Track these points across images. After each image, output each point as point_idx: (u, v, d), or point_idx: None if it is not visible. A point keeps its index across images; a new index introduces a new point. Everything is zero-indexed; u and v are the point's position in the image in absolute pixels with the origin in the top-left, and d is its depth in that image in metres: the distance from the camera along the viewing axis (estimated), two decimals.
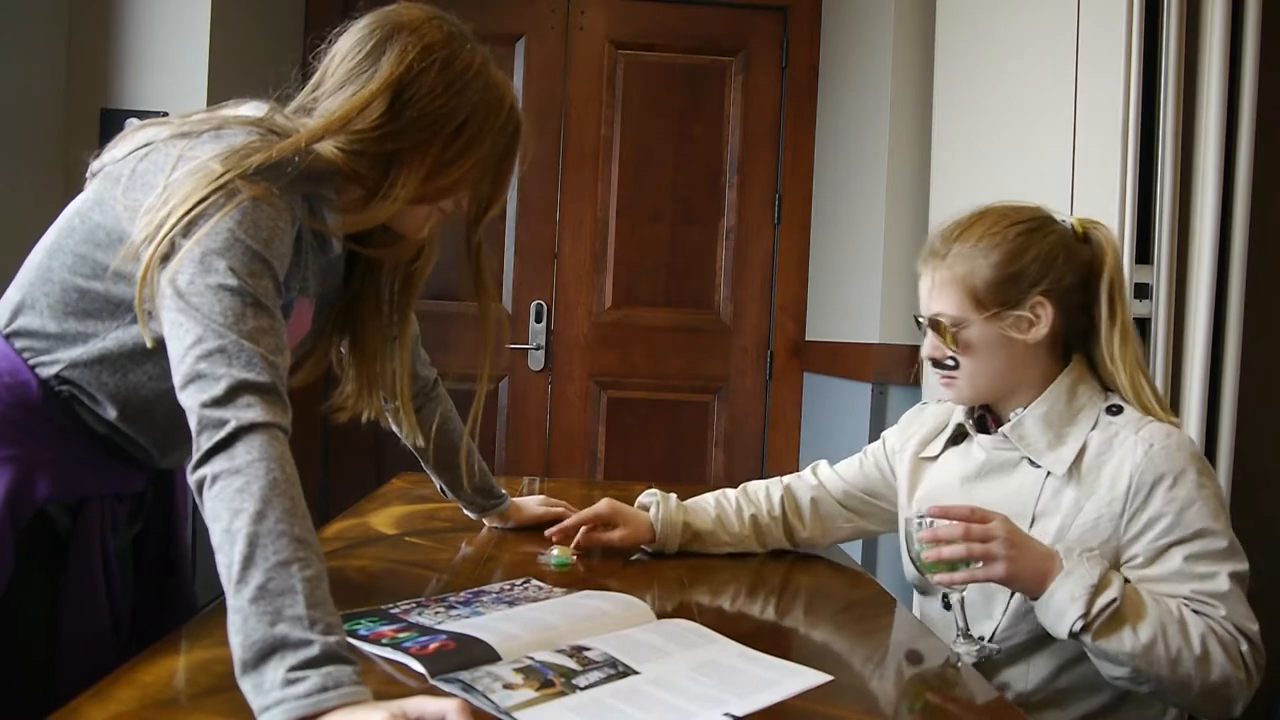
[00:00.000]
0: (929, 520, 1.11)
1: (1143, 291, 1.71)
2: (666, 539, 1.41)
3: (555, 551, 1.35)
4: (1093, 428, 1.17)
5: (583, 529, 1.39)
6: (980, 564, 1.07)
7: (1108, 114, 1.72)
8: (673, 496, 1.45)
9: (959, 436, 1.31)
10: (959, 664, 1.06)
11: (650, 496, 1.45)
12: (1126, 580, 1.10)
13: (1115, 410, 1.18)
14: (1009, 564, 1.06)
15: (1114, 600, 1.04)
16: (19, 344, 1.03)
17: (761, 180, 3.21)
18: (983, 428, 1.28)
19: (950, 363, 1.22)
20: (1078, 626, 1.04)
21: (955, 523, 1.08)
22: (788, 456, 3.20)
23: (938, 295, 1.21)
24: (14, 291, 1.05)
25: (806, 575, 1.42)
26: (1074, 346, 1.23)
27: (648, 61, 3.19)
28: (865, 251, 2.66)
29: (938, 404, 1.40)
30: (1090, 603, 1.04)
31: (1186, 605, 1.08)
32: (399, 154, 1.03)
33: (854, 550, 2.51)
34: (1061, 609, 1.05)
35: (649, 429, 3.20)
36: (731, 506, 1.46)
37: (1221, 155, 1.66)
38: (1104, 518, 1.13)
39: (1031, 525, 1.18)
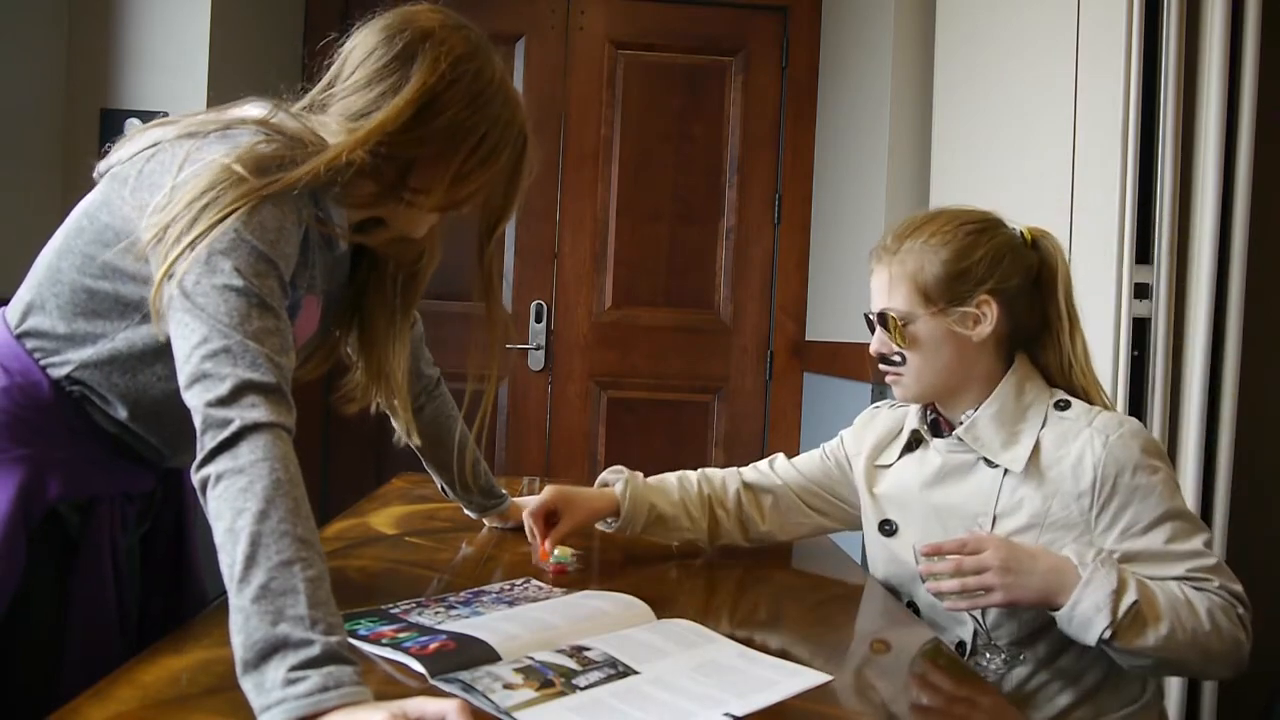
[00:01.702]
0: (921, 558, 1.12)
1: (1143, 291, 1.71)
2: (632, 517, 1.38)
3: (555, 551, 1.35)
4: (1043, 424, 1.20)
5: (532, 528, 1.35)
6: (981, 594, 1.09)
7: (1108, 114, 1.72)
8: (638, 474, 1.43)
9: (914, 442, 1.32)
10: (985, 677, 1.07)
11: (616, 474, 1.43)
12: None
13: (1063, 405, 1.21)
14: (1005, 591, 1.07)
15: (1135, 602, 1.06)
16: (30, 344, 1.03)
17: (761, 180, 3.21)
18: (936, 432, 1.29)
19: (897, 358, 1.25)
20: (1107, 635, 1.05)
21: (948, 558, 1.09)
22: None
23: (887, 290, 1.25)
24: (25, 292, 1.05)
25: (806, 575, 1.42)
26: (1016, 347, 1.26)
27: (648, 61, 3.19)
28: (865, 251, 2.65)
29: (890, 408, 1.42)
30: (1115, 610, 1.05)
31: (1185, 584, 1.10)
32: (419, 160, 1.03)
33: (854, 550, 2.51)
34: (1087, 620, 1.06)
35: (649, 429, 3.20)
36: (693, 492, 1.44)
37: (1221, 155, 1.66)
38: (1073, 513, 1.15)
39: (993, 525, 1.20)
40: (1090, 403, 1.22)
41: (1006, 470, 1.20)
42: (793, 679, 0.93)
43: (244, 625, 0.75)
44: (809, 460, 1.49)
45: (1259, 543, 1.77)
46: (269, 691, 0.73)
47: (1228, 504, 1.69)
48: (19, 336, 1.03)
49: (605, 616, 1.06)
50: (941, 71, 2.41)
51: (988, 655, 1.17)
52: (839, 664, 1.06)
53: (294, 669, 0.73)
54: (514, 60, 3.13)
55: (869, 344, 1.31)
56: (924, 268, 1.21)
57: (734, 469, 1.49)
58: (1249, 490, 1.75)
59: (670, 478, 1.46)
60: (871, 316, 1.27)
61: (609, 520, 1.41)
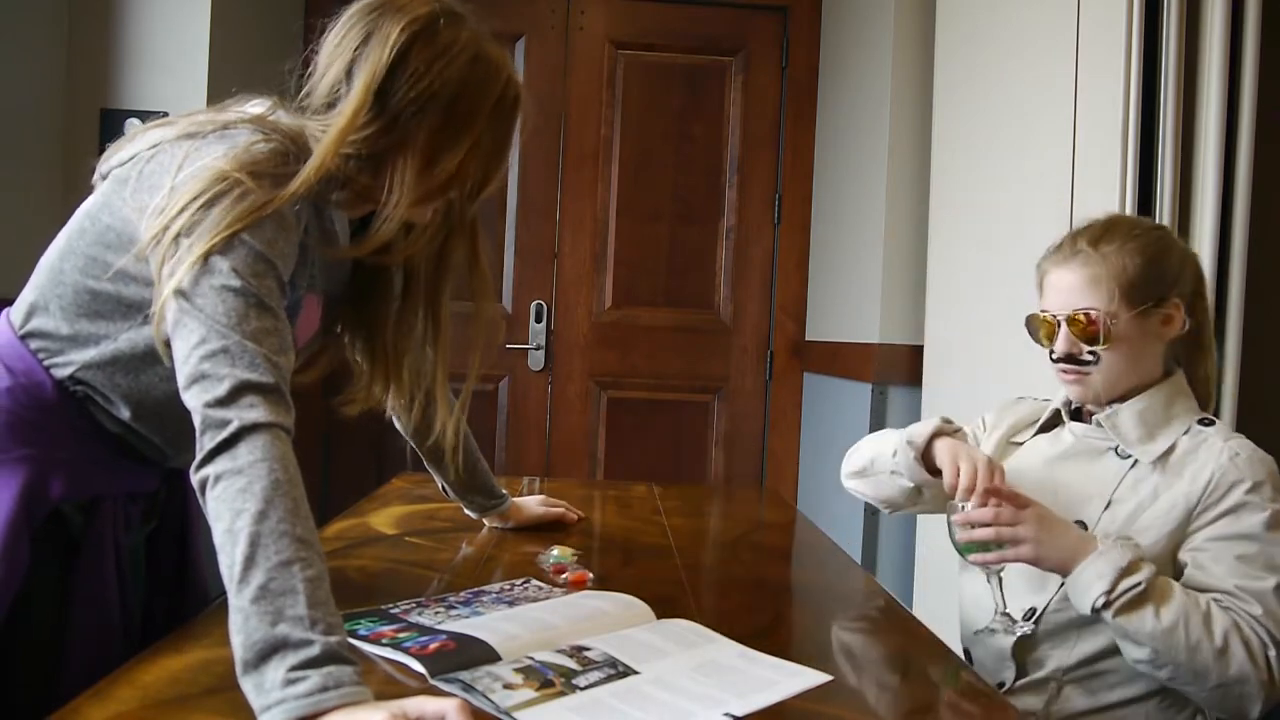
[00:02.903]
0: (963, 505, 1.17)
1: None
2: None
3: (555, 551, 1.35)
4: (1184, 433, 1.22)
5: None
6: (1010, 546, 1.14)
7: (1108, 114, 1.72)
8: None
9: (1049, 425, 1.34)
10: (993, 637, 1.11)
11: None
12: (1175, 575, 1.14)
13: (1208, 423, 1.23)
14: (1035, 546, 1.13)
15: (1139, 584, 1.08)
16: (34, 345, 1.03)
17: (761, 180, 3.21)
18: (1076, 417, 1.32)
19: (1089, 358, 1.24)
20: (1100, 603, 1.09)
21: (987, 505, 1.15)
22: (787, 456, 3.21)
23: (1089, 290, 1.23)
24: (28, 293, 1.05)
25: (806, 575, 1.43)
26: (1173, 358, 1.28)
27: (648, 61, 3.19)
28: (865, 251, 2.66)
29: (1034, 400, 1.42)
30: (1116, 582, 1.08)
31: (1218, 602, 1.10)
32: (387, 153, 1.00)
33: (854, 550, 2.52)
34: (1087, 584, 1.10)
35: (649, 429, 3.20)
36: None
37: (1221, 155, 1.66)
38: (1178, 506, 1.16)
39: (1105, 509, 1.21)
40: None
41: (1135, 463, 1.22)
42: (793, 679, 0.93)
43: (243, 625, 0.75)
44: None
45: None
46: (269, 692, 0.73)
47: None
48: (23, 337, 1.04)
49: (605, 616, 1.06)
50: (941, 71, 2.41)
51: (999, 618, 1.19)
52: (839, 664, 1.06)
53: (293, 669, 0.73)
54: (514, 60, 3.12)
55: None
56: (1127, 268, 1.22)
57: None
58: None
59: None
60: (1056, 317, 1.25)
61: None
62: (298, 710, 0.72)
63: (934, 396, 2.36)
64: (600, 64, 3.17)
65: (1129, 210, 1.69)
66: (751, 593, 1.34)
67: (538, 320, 3.15)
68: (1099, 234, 1.25)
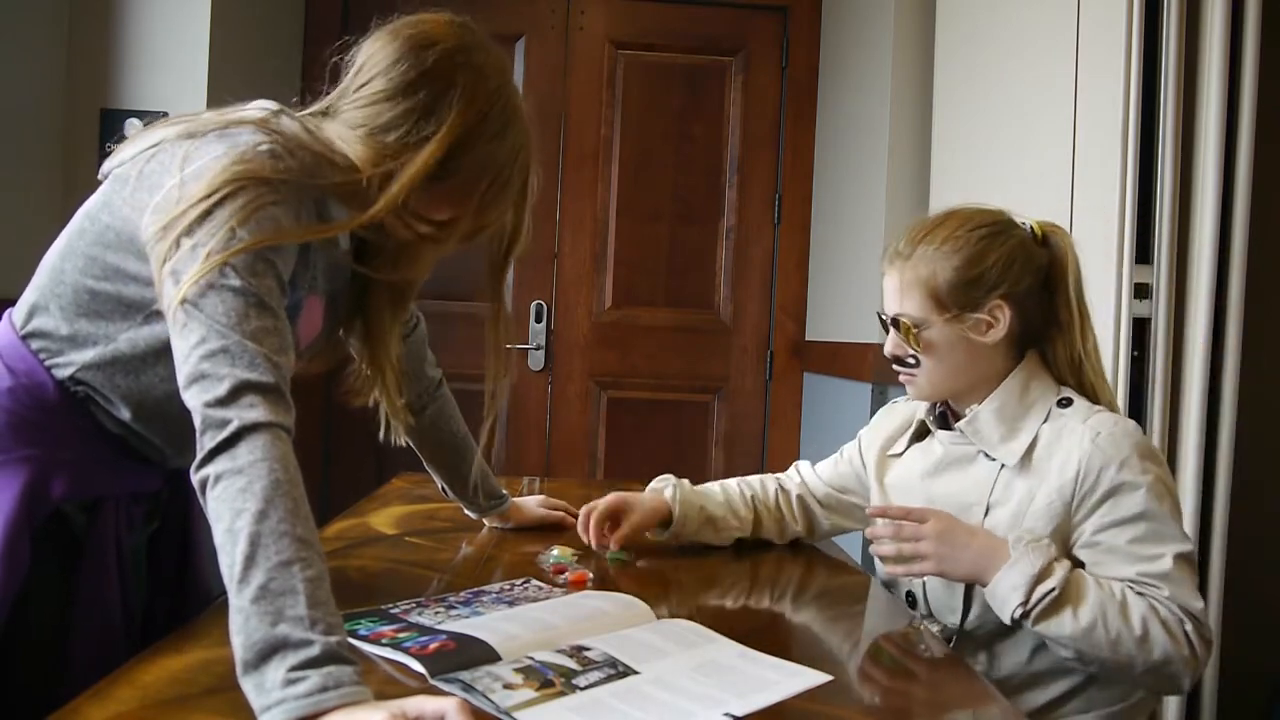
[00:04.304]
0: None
1: (1143, 291, 1.71)
2: (684, 520, 1.43)
3: (555, 551, 1.35)
4: (1044, 420, 1.22)
5: (593, 528, 1.40)
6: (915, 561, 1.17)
7: (1108, 114, 1.72)
8: (685, 481, 1.49)
9: (921, 433, 1.36)
10: (923, 649, 1.11)
11: (663, 481, 1.49)
12: (1078, 566, 1.14)
13: (1066, 403, 1.22)
14: (937, 561, 1.15)
15: (1053, 590, 1.09)
16: (35, 345, 1.03)
17: (761, 180, 3.21)
18: (944, 424, 1.32)
19: (911, 361, 1.26)
20: (1018, 614, 1.10)
21: (889, 522, 1.19)
22: (788, 457, 3.20)
23: (901, 295, 1.24)
24: (30, 293, 1.05)
25: (806, 575, 1.42)
26: (1027, 344, 1.27)
27: (648, 61, 3.19)
28: (865, 251, 2.66)
29: (906, 402, 1.44)
30: (1030, 591, 1.09)
31: (1131, 587, 1.11)
32: (439, 194, 1.02)
33: (854, 550, 2.51)
34: (1004, 597, 1.11)
35: (649, 429, 3.20)
36: (735, 493, 1.50)
37: (1221, 155, 1.66)
38: (1055, 503, 1.17)
39: (986, 514, 1.22)
40: (1097, 399, 1.23)
41: (1003, 464, 1.22)
42: (793, 679, 0.93)
43: (243, 626, 0.75)
44: (827, 465, 1.54)
45: (1259, 543, 1.77)
46: (269, 692, 0.73)
47: (1227, 504, 1.69)
48: (24, 337, 1.04)
49: (605, 616, 1.06)
50: (941, 71, 2.41)
51: (925, 624, 1.20)
52: (839, 664, 1.06)
53: (293, 669, 0.73)
54: (514, 60, 3.13)
55: (882, 343, 1.32)
56: (936, 274, 1.21)
57: (770, 475, 1.57)
58: (1249, 490, 1.75)
59: (712, 485, 1.53)
60: (885, 318, 1.28)
61: (659, 530, 1.45)
62: (298, 710, 0.72)
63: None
64: (600, 64, 3.17)
65: (1129, 210, 1.69)
66: (751, 593, 1.34)
67: (538, 320, 3.15)
68: (922, 234, 1.24)
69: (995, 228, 1.23)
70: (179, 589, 1.19)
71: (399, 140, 0.99)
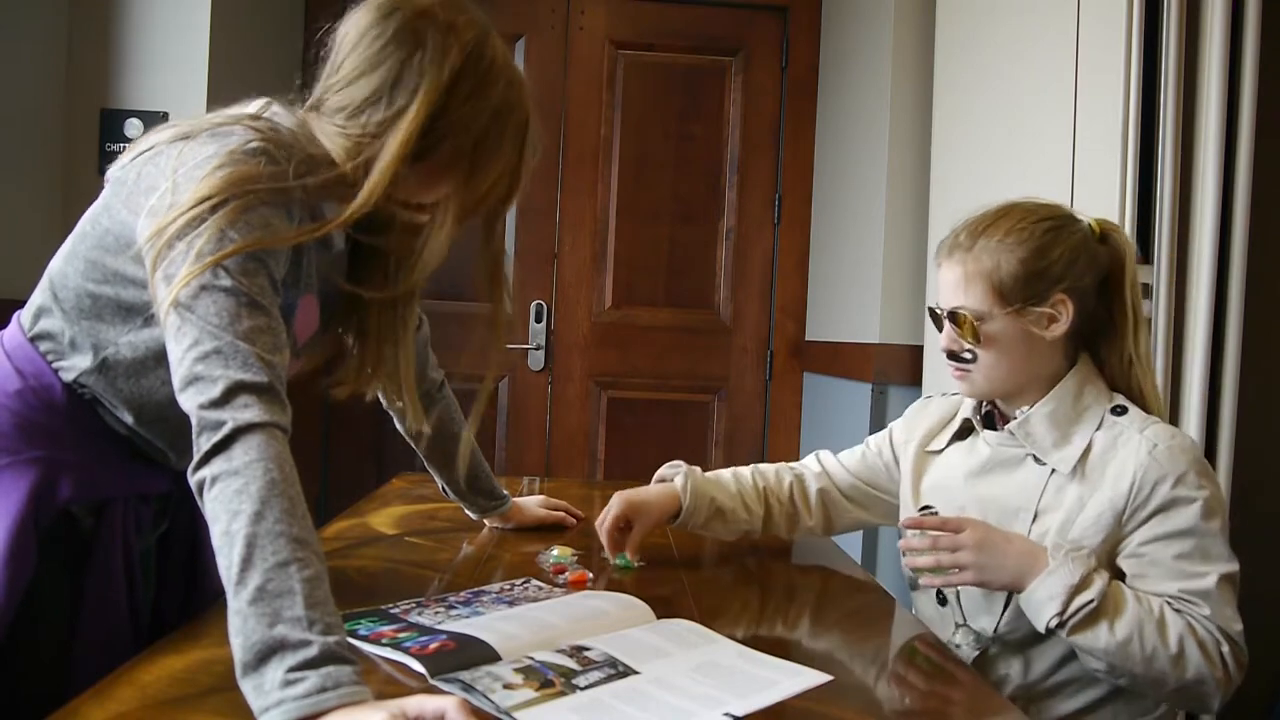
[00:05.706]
0: (909, 533, 1.17)
1: (1143, 291, 1.71)
2: (694, 511, 1.39)
3: (555, 551, 1.35)
4: (1098, 427, 1.19)
5: (607, 541, 1.36)
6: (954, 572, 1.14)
7: (1108, 114, 1.72)
8: (696, 468, 1.44)
9: (964, 431, 1.32)
10: (958, 652, 1.10)
11: (674, 469, 1.44)
12: (1119, 577, 1.12)
13: (1120, 410, 1.20)
14: (976, 572, 1.13)
15: (1091, 601, 1.07)
16: (43, 347, 1.03)
17: (761, 180, 3.21)
18: (989, 424, 1.29)
19: (968, 355, 1.22)
20: (1053, 623, 1.09)
21: (926, 533, 1.15)
22: (788, 457, 3.17)
23: (961, 288, 1.21)
24: (37, 295, 1.06)
25: (806, 575, 1.42)
26: (1081, 344, 1.25)
27: (648, 61, 3.18)
28: (865, 251, 2.66)
29: (942, 397, 1.41)
30: (1067, 602, 1.08)
31: (1170, 604, 1.10)
32: (427, 172, 0.99)
33: (854, 550, 2.51)
34: (1040, 605, 1.10)
35: (649, 429, 3.20)
36: (749, 484, 1.45)
37: (1221, 155, 1.66)
38: (1106, 514, 1.14)
39: (1034, 521, 1.19)
40: (1145, 403, 1.21)
41: (1054, 470, 1.19)
42: (793, 679, 0.93)
43: (242, 627, 0.75)
44: (851, 456, 1.49)
45: (1259, 542, 1.77)
46: (268, 693, 0.73)
47: (1227, 504, 1.68)
48: (32, 339, 1.04)
49: (605, 616, 1.06)
50: (941, 71, 2.41)
51: (960, 632, 1.20)
52: (839, 664, 1.06)
53: (292, 670, 0.73)
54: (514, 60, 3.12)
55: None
56: (1000, 266, 1.18)
57: (785, 464, 1.51)
58: (1249, 490, 1.75)
59: (724, 472, 1.47)
60: (941, 312, 1.24)
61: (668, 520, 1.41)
62: (297, 711, 0.72)
63: (936, 391, 2.36)
64: (600, 64, 3.17)
65: (1129, 210, 1.68)
66: (751, 593, 1.34)
67: (538, 320, 3.15)
68: (983, 226, 1.22)
69: (1059, 221, 1.21)
70: (189, 590, 1.19)
71: (377, 122, 0.97)
